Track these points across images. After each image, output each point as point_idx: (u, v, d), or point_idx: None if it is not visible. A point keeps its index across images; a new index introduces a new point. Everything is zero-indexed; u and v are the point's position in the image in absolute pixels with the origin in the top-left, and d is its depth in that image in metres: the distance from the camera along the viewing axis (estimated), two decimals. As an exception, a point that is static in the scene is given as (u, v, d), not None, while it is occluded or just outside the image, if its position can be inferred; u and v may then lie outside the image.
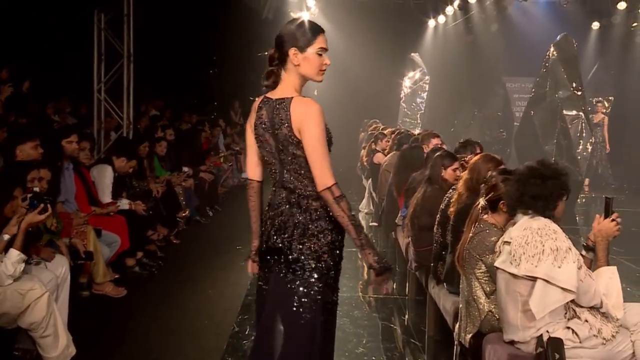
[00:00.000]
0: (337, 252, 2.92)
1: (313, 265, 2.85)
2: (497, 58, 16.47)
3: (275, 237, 2.92)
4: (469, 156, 5.37)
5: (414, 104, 17.82)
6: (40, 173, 4.69)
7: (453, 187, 4.77)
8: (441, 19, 16.14)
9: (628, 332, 3.25)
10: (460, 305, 3.83)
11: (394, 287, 6.50)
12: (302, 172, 2.85)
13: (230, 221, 8.73)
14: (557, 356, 2.98)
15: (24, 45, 8.90)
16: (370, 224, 9.45)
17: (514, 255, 3.17)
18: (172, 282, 6.25)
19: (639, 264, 7.30)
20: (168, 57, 12.48)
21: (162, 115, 11.04)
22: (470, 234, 3.73)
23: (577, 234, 9.05)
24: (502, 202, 3.65)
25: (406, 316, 5.65)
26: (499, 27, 16.31)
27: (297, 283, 2.86)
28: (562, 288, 3.05)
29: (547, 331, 3.13)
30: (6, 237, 3.97)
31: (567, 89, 12.37)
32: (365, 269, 7.07)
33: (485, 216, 3.73)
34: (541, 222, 3.17)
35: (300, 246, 2.85)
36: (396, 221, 6.84)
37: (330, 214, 2.84)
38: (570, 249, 3.08)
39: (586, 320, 3.18)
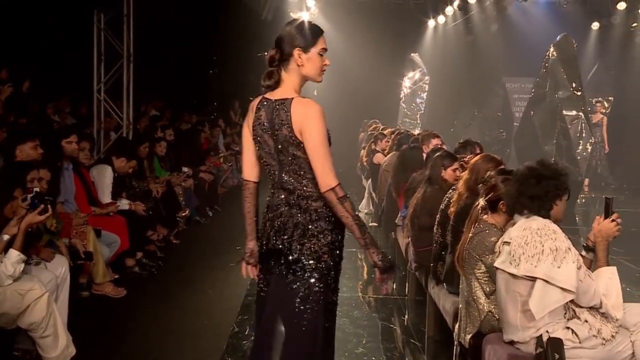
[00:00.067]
0: (337, 252, 2.92)
1: (313, 266, 2.85)
2: (497, 58, 16.47)
3: (274, 239, 2.92)
4: (468, 156, 5.37)
5: (413, 104, 17.84)
6: (40, 173, 4.69)
7: (453, 187, 4.77)
8: (441, 19, 16.15)
9: (628, 332, 3.25)
10: (460, 306, 3.83)
11: (394, 287, 6.49)
12: (302, 172, 2.85)
13: (230, 221, 8.72)
14: (556, 356, 2.98)
15: (23, 45, 8.90)
16: (370, 224, 9.44)
17: (513, 256, 3.17)
18: (171, 282, 6.25)
19: (639, 264, 7.30)
20: (168, 57, 12.48)
21: (162, 115, 11.04)
22: (470, 234, 3.73)
23: (577, 234, 9.05)
24: (501, 202, 3.65)
25: (406, 316, 5.65)
26: (499, 27, 16.31)
27: (298, 284, 2.86)
28: (562, 288, 3.05)
29: (547, 331, 3.13)
30: (6, 237, 3.97)
31: (566, 89, 12.38)
32: (365, 269, 7.08)
33: (485, 216, 3.74)
34: (540, 222, 3.18)
35: (300, 247, 2.86)
36: (396, 221, 6.84)
37: (330, 214, 2.85)
38: (569, 249, 3.08)
39: (586, 321, 3.18)
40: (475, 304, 3.65)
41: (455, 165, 5.23)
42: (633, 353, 3.20)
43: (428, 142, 7.10)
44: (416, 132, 10.90)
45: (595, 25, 16.00)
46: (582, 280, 3.08)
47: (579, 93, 12.48)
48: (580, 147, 12.80)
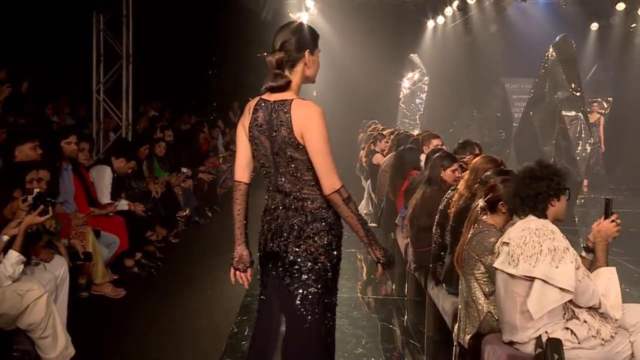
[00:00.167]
0: (335, 253, 2.91)
1: (310, 267, 2.85)
2: (496, 59, 16.47)
3: (271, 243, 2.93)
4: (468, 157, 5.38)
5: (413, 104, 17.84)
6: (39, 174, 4.69)
7: (452, 188, 4.77)
8: (440, 19, 16.14)
9: (627, 332, 3.25)
10: (460, 306, 3.83)
11: (393, 287, 6.50)
12: (298, 175, 2.84)
13: (229, 222, 8.60)
14: (556, 357, 2.98)
15: (23, 45, 8.90)
16: (370, 224, 9.43)
17: (512, 256, 3.17)
18: (171, 282, 6.25)
19: (638, 264, 7.30)
20: (167, 58, 12.48)
21: (161, 116, 11.04)
22: (470, 235, 3.74)
23: (576, 234, 9.05)
24: (501, 203, 3.66)
25: (405, 317, 5.65)
26: (498, 28, 16.30)
27: (295, 286, 2.86)
28: (560, 288, 3.05)
29: (546, 332, 3.14)
30: (5, 238, 3.97)
31: (566, 90, 12.38)
32: (365, 270, 7.09)
33: (485, 217, 3.74)
34: (539, 222, 3.18)
35: (297, 249, 2.86)
36: (396, 222, 6.84)
37: (326, 215, 2.86)
38: (567, 249, 3.08)
39: (585, 321, 3.18)
40: (475, 304, 3.65)
41: (455, 166, 5.23)
42: (632, 353, 3.20)
43: (428, 143, 7.11)
44: (415, 132, 10.89)
45: (595, 26, 16.01)
46: (580, 280, 3.08)
47: (578, 94, 12.48)
48: (580, 148, 12.79)
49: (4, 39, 8.48)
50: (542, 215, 3.21)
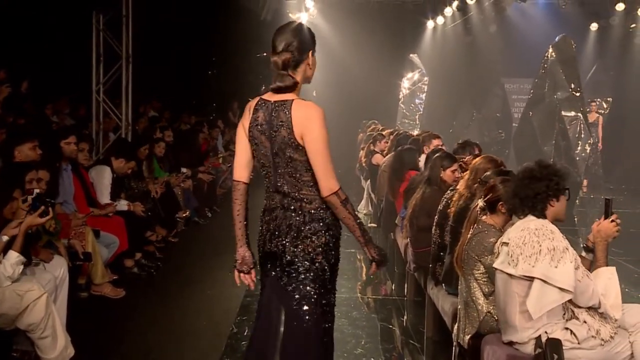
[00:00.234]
0: (333, 253, 2.92)
1: (307, 267, 2.86)
2: (496, 59, 16.46)
3: (270, 243, 2.93)
4: (467, 157, 5.38)
5: (412, 105, 17.85)
6: (38, 174, 4.69)
7: (451, 188, 4.78)
8: (440, 20, 16.12)
9: (626, 333, 3.26)
10: (459, 306, 3.83)
11: (393, 288, 6.50)
12: (297, 175, 2.85)
13: (229, 222, 8.57)
14: (555, 357, 2.98)
15: (22, 45, 8.90)
16: (369, 224, 9.45)
17: (511, 256, 3.18)
18: (170, 283, 6.25)
19: (638, 265, 7.30)
20: (167, 58, 12.48)
21: (161, 116, 11.04)
22: (469, 235, 3.74)
23: (576, 234, 9.06)
24: (500, 203, 3.66)
25: (405, 317, 5.65)
26: (498, 28, 16.30)
27: (293, 286, 2.87)
28: (559, 288, 3.05)
29: (546, 332, 3.14)
30: (5, 238, 3.97)
31: (565, 90, 12.38)
32: (364, 270, 7.08)
33: (484, 217, 3.74)
34: (538, 222, 3.19)
35: (294, 249, 2.86)
36: (396, 222, 6.84)
37: (324, 216, 2.86)
38: (567, 249, 3.09)
39: (584, 321, 3.18)
40: (474, 304, 3.65)
41: (455, 166, 5.23)
42: (632, 354, 3.20)
43: (429, 143, 7.10)
44: (415, 132, 10.89)
45: (594, 26, 16.00)
46: (580, 280, 3.08)
47: (577, 94, 12.48)
48: (579, 148, 12.80)
49: (4, 39, 8.48)
50: (541, 215, 3.22)
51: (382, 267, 3.01)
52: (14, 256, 3.94)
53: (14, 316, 3.91)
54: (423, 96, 17.75)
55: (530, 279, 3.10)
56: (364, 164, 10.86)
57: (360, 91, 16.17)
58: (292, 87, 2.85)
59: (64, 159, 5.84)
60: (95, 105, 9.11)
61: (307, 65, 2.90)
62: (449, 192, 4.75)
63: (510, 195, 3.34)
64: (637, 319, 3.29)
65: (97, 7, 8.94)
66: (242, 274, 3.07)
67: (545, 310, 3.09)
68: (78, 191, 5.95)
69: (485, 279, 3.62)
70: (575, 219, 10.92)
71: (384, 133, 10.38)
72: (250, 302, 5.51)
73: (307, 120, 2.77)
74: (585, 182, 13.66)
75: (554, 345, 3.03)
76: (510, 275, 3.19)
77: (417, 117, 17.81)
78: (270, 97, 2.88)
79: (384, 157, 8.84)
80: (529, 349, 3.18)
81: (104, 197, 6.40)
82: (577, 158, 12.50)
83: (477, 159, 4.52)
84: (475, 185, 4.13)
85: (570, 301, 3.15)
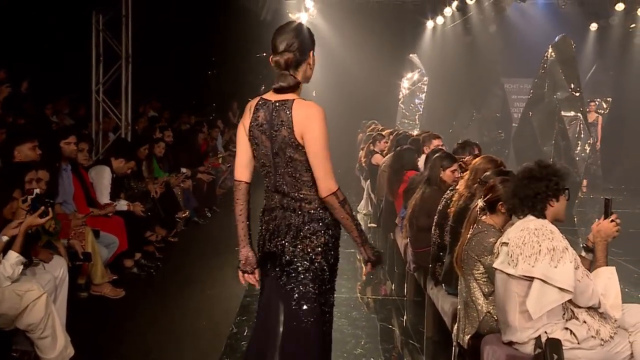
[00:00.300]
0: (332, 253, 2.92)
1: (306, 267, 2.86)
2: (496, 59, 16.46)
3: (269, 243, 2.94)
4: (467, 157, 5.38)
5: (412, 105, 17.83)
6: (38, 174, 4.69)
7: (451, 188, 4.77)
8: (439, 20, 16.12)
9: (626, 333, 3.26)
10: (459, 307, 3.83)
11: (393, 288, 6.50)
12: (297, 175, 2.85)
13: (229, 222, 8.64)
14: (555, 357, 2.98)
15: (22, 45, 8.90)
16: (369, 225, 9.46)
17: (511, 256, 3.18)
18: (170, 283, 6.25)
19: (638, 265, 7.30)
20: (166, 58, 12.48)
21: (161, 116, 11.04)
22: (469, 235, 3.74)
23: (575, 235, 9.06)
24: (500, 203, 3.66)
25: (404, 317, 5.65)
26: (498, 28, 16.30)
27: (292, 286, 2.87)
28: (559, 288, 3.05)
29: (546, 332, 3.14)
30: (5, 238, 3.97)
31: (565, 90, 12.38)
32: (364, 270, 7.08)
33: (484, 217, 3.74)
34: (538, 222, 3.19)
35: (293, 249, 2.87)
36: (396, 222, 6.84)
37: (323, 216, 2.86)
38: (566, 249, 3.09)
39: (584, 321, 3.18)
40: (474, 304, 3.65)
41: (454, 166, 5.23)
42: (631, 354, 3.21)
43: (429, 143, 7.10)
44: (415, 133, 10.89)
45: (594, 26, 16.00)
46: (579, 280, 3.09)
47: (577, 94, 12.48)
48: (579, 148, 12.80)
49: (4, 39, 8.48)
50: (540, 215, 3.22)
51: (377, 268, 3.05)
52: (13, 256, 3.94)
53: (14, 316, 3.91)
54: (423, 96, 17.73)
55: (530, 279, 3.11)
56: (363, 164, 10.86)
57: (360, 91, 16.17)
58: (295, 87, 2.86)
59: (64, 159, 5.84)
60: (95, 105, 9.11)
61: (308, 65, 2.90)
62: (448, 192, 4.75)
63: (510, 195, 3.34)
64: (636, 319, 3.29)
65: (97, 7, 8.94)
66: (246, 275, 3.06)
67: (545, 310, 3.10)
68: (78, 191, 5.95)
69: (485, 279, 3.62)
70: (575, 219, 10.92)
71: (383, 133, 10.38)
72: (250, 302, 5.52)
73: (307, 120, 2.78)
74: (585, 182, 13.66)
75: (554, 345, 3.03)
76: (509, 275, 3.19)
77: (416, 117, 17.79)
78: (271, 96, 2.88)
79: (384, 157, 8.84)
80: (529, 349, 3.18)
81: (104, 197, 6.40)
82: (577, 158, 12.49)
83: (477, 159, 4.52)
84: (475, 185, 4.13)
85: (570, 301, 3.15)
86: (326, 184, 2.79)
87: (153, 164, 8.16)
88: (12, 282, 3.96)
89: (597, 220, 3.40)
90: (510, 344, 3.27)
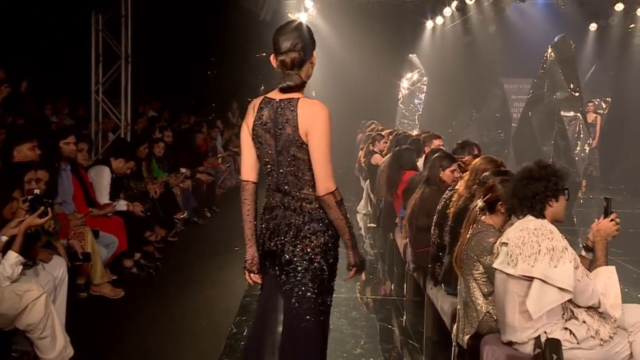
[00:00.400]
0: (331, 253, 2.93)
1: (306, 267, 2.87)
2: (495, 59, 16.46)
3: (269, 242, 2.94)
4: (466, 157, 5.37)
5: (411, 105, 17.81)
6: (37, 174, 4.68)
7: (450, 188, 4.78)
8: (439, 20, 16.12)
9: (626, 333, 3.26)
10: (458, 307, 3.83)
11: (392, 288, 6.50)
12: (299, 174, 2.85)
13: (228, 222, 8.71)
14: (554, 357, 2.98)
15: (22, 45, 8.90)
16: (369, 225, 9.46)
17: (510, 256, 3.18)
18: (170, 283, 6.25)
19: (637, 265, 7.30)
20: (166, 58, 12.48)
21: (160, 116, 11.04)
22: (468, 235, 3.74)
23: (575, 234, 9.06)
24: (499, 203, 3.66)
25: (404, 317, 5.65)
26: (497, 28, 16.30)
27: (291, 285, 2.88)
28: (559, 288, 3.05)
29: (545, 332, 3.14)
30: (4, 238, 3.97)
31: (564, 90, 12.38)
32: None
33: (483, 217, 3.74)
34: (537, 222, 3.19)
35: (293, 248, 2.87)
36: (396, 222, 6.84)
37: (324, 216, 2.86)
38: (566, 248, 3.09)
39: (584, 321, 3.18)
40: (474, 304, 3.65)
41: (454, 166, 5.23)
42: (631, 354, 3.21)
43: (430, 143, 7.11)
44: (414, 133, 10.89)
45: (593, 27, 16.00)
46: (579, 279, 3.09)
47: (576, 94, 12.48)
48: (578, 148, 12.80)
49: (4, 39, 8.48)
50: (539, 215, 3.22)
51: (359, 274, 3.07)
52: (13, 256, 3.94)
53: (13, 316, 3.91)
54: (422, 96, 17.71)
55: (530, 279, 3.11)
56: (363, 164, 10.86)
57: (360, 91, 16.18)
58: (301, 86, 2.87)
59: (63, 159, 5.84)
60: (95, 105, 9.12)
61: (311, 64, 2.91)
62: (447, 192, 4.75)
63: (509, 195, 3.35)
64: (636, 319, 3.29)
65: (96, 7, 8.94)
66: (252, 274, 3.08)
67: (545, 310, 3.10)
68: (77, 191, 5.95)
69: (485, 279, 3.62)
70: (575, 219, 10.92)
71: (383, 133, 10.38)
72: (249, 302, 5.52)
73: (312, 119, 2.79)
74: (584, 182, 13.66)
75: (553, 345, 3.03)
76: (509, 275, 3.19)
77: (416, 117, 17.77)
78: (276, 95, 2.89)
79: (383, 157, 8.84)
80: (528, 349, 3.18)
81: (103, 197, 6.41)
82: (577, 158, 12.50)
83: (477, 159, 4.52)
84: (475, 186, 4.13)
85: (569, 301, 3.15)
86: (325, 183, 2.79)
87: (152, 164, 8.16)
88: (12, 282, 3.96)
89: (596, 219, 3.40)
90: (510, 344, 3.27)
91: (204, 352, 4.59)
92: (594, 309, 3.21)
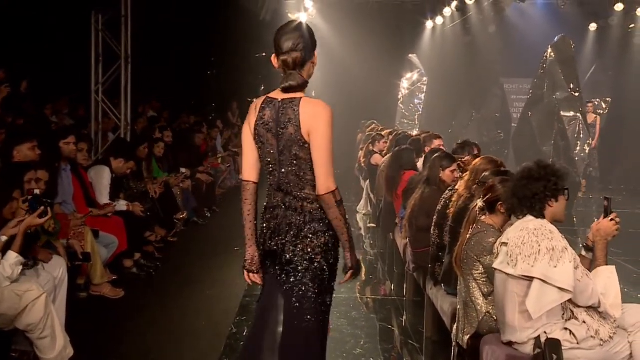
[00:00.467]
0: (332, 253, 2.93)
1: (306, 267, 2.87)
2: (495, 59, 16.46)
3: (270, 242, 2.94)
4: (466, 157, 5.37)
5: (411, 105, 17.82)
6: (37, 174, 4.68)
7: (450, 188, 4.78)
8: (439, 20, 16.12)
9: (626, 333, 3.26)
10: (458, 307, 3.83)
11: (392, 288, 6.50)
12: (301, 174, 2.86)
13: (228, 222, 8.72)
14: (554, 357, 2.98)
15: (22, 45, 8.90)
16: (369, 225, 9.46)
17: (510, 256, 3.18)
18: (169, 283, 6.25)
19: (637, 265, 7.31)
20: (166, 58, 12.48)
21: (160, 116, 11.04)
22: (468, 235, 3.74)
23: (575, 234, 9.06)
24: (499, 203, 3.66)
25: (404, 317, 5.65)
26: (497, 28, 16.30)
27: (291, 285, 2.88)
28: (559, 288, 3.05)
29: (545, 332, 3.14)
30: (4, 238, 3.97)
31: (564, 90, 12.38)
32: (364, 270, 7.08)
33: (483, 217, 3.74)
34: (537, 222, 3.19)
35: (294, 248, 2.87)
36: (395, 222, 6.84)
37: (324, 216, 2.86)
38: (566, 248, 3.09)
39: (584, 321, 3.18)
40: (474, 304, 3.65)
41: (454, 166, 5.23)
42: (631, 354, 3.21)
43: (430, 143, 7.11)
44: (414, 133, 10.88)
45: (593, 27, 16.00)
46: (579, 279, 3.09)
47: (576, 94, 12.48)
48: (578, 148, 12.80)
49: (4, 39, 8.48)
50: (539, 215, 3.22)
51: (355, 277, 3.03)
52: (13, 257, 3.94)
53: (13, 316, 3.91)
54: (422, 96, 17.72)
55: (530, 279, 3.11)
56: (363, 164, 10.86)
57: (360, 91, 16.18)
58: (303, 86, 2.88)
59: (63, 159, 5.84)
60: (95, 105, 9.12)
61: (312, 64, 2.92)
62: (447, 192, 4.76)
63: (509, 195, 3.35)
64: (636, 319, 3.29)
65: (96, 7, 8.94)
66: (251, 274, 3.07)
67: (545, 310, 3.10)
68: (77, 191, 5.95)
69: (485, 279, 3.62)
70: (575, 219, 10.92)
71: (383, 133, 10.39)
72: (249, 302, 5.52)
73: (314, 119, 2.79)
74: (584, 183, 13.66)
75: (553, 345, 3.03)
76: (509, 275, 3.19)
77: (416, 117, 17.78)
78: (278, 95, 2.89)
79: (383, 157, 8.84)
80: (528, 349, 3.18)
81: (103, 197, 6.40)
82: (576, 158, 12.50)
83: (477, 160, 4.52)
84: (475, 186, 4.13)
85: (569, 301, 3.15)
86: (326, 182, 2.79)
87: (152, 164, 8.16)
88: (12, 282, 3.96)
89: (596, 219, 3.40)
90: (510, 344, 3.27)
91: (204, 352, 4.59)
92: (594, 309, 3.21)
